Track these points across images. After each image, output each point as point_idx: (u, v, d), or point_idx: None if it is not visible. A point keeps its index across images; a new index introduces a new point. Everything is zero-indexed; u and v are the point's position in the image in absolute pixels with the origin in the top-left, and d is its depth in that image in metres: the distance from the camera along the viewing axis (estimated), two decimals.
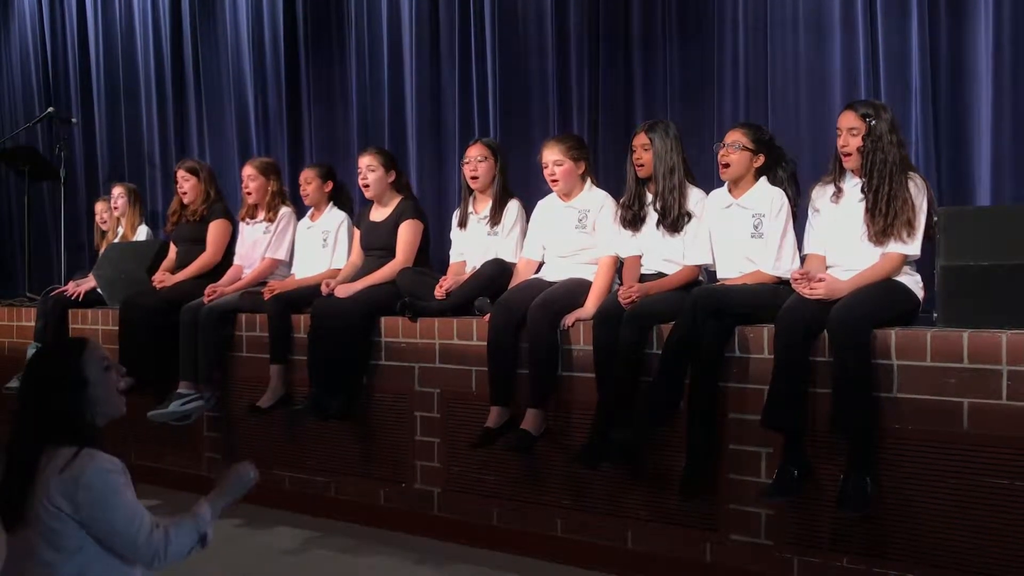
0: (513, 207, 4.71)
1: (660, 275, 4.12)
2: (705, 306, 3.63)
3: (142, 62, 7.84)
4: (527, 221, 4.66)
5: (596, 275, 4.26)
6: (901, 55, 4.57)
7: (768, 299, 3.70)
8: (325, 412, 4.59)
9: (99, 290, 5.97)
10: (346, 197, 5.45)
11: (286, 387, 4.93)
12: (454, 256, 4.92)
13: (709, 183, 4.24)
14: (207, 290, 5.25)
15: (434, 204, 5.93)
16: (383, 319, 4.69)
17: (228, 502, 2.60)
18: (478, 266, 4.65)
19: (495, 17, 5.85)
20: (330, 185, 5.35)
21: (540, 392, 4.07)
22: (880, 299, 3.50)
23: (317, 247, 5.30)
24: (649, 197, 4.20)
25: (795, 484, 3.45)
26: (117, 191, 6.57)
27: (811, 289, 3.52)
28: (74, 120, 7.92)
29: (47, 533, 2.33)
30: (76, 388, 2.43)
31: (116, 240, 6.53)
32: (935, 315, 3.53)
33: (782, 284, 3.79)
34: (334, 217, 5.31)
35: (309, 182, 5.31)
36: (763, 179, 3.94)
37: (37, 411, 2.42)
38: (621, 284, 4.19)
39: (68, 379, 2.43)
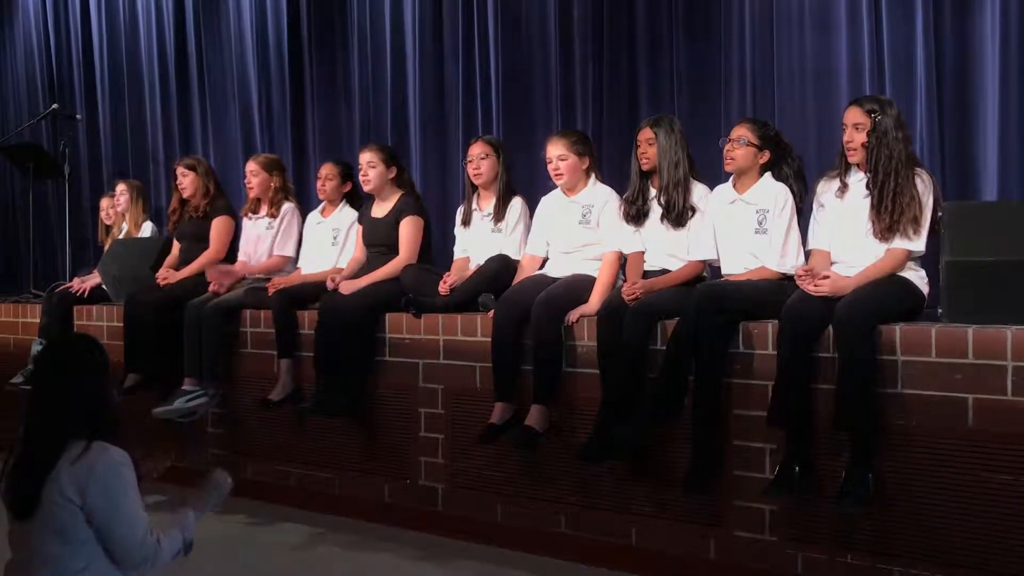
0: (516, 204, 4.70)
1: (664, 271, 4.12)
2: (709, 302, 3.63)
3: (146, 59, 7.85)
4: (530, 218, 4.65)
5: (600, 271, 4.26)
6: (906, 50, 4.56)
7: (772, 295, 3.69)
8: (332, 410, 4.60)
9: (104, 287, 5.98)
10: (359, 200, 5.41)
11: (295, 382, 4.93)
12: (458, 253, 4.92)
13: (714, 179, 4.23)
14: (211, 274, 5.28)
15: (437, 201, 5.92)
16: (387, 315, 4.69)
17: (208, 509, 2.68)
18: (482, 262, 4.65)
19: (498, 14, 5.85)
20: (348, 186, 5.33)
21: (544, 388, 4.07)
22: (885, 295, 3.50)
23: (326, 244, 5.29)
24: (653, 192, 4.20)
25: (796, 481, 3.44)
26: (120, 188, 6.56)
27: (816, 286, 3.52)
28: (78, 117, 7.92)
29: (56, 525, 2.34)
30: (105, 371, 2.48)
31: (121, 237, 6.53)
32: (940, 311, 3.52)
33: (786, 280, 3.78)
34: (346, 216, 5.29)
35: (331, 178, 5.28)
36: (767, 175, 3.93)
37: (66, 397, 2.42)
38: (625, 280, 4.19)
39: (99, 363, 2.48)
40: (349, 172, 5.34)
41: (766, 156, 3.92)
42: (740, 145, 3.89)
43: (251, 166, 5.55)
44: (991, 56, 4.36)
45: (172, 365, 5.21)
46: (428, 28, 6.21)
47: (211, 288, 5.27)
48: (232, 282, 5.30)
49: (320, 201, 5.41)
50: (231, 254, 5.65)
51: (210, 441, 5.41)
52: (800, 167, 3.97)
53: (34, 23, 8.69)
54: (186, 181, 5.70)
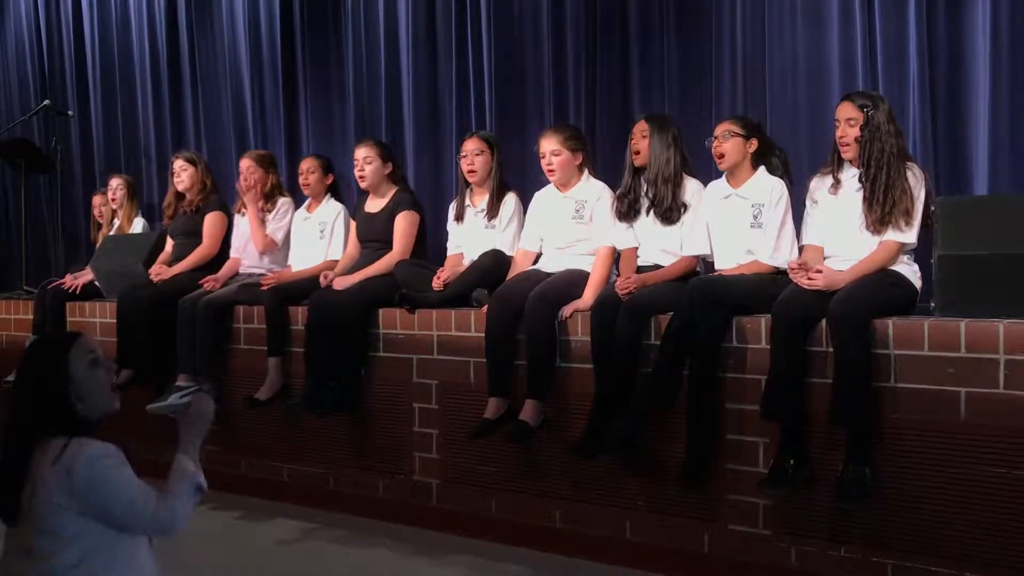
0: (510, 201, 4.71)
1: (657, 266, 4.12)
2: (703, 297, 3.63)
3: (138, 54, 7.81)
4: (524, 215, 4.65)
5: (593, 266, 4.26)
6: (899, 44, 4.56)
7: (766, 289, 3.70)
8: (319, 407, 4.59)
9: (96, 283, 5.97)
10: (341, 193, 5.44)
11: (284, 379, 4.93)
12: (451, 248, 4.92)
13: (708, 175, 4.24)
14: (206, 282, 5.26)
15: (431, 196, 5.91)
16: (381, 311, 4.69)
17: (198, 443, 2.56)
18: (475, 258, 4.65)
19: (491, 8, 5.84)
20: (330, 178, 5.35)
21: (538, 383, 4.07)
22: (879, 289, 3.51)
23: (314, 238, 5.29)
24: (645, 188, 4.20)
25: (791, 475, 3.45)
26: (115, 183, 6.55)
27: (809, 280, 3.52)
28: (70, 113, 7.90)
29: (44, 524, 2.33)
30: (60, 384, 2.42)
31: (112, 233, 6.52)
32: (933, 305, 3.53)
33: (780, 274, 3.79)
34: (331, 208, 5.30)
35: (312, 172, 5.29)
36: (762, 169, 3.95)
37: (27, 403, 2.43)
38: (619, 275, 4.19)
39: (52, 375, 2.43)
40: (330, 165, 5.36)
41: (754, 144, 3.94)
42: (727, 139, 3.91)
43: (246, 162, 5.54)
44: (983, 50, 4.36)
45: (166, 361, 5.22)
46: (422, 24, 6.19)
47: (204, 284, 5.26)
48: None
49: (306, 198, 5.42)
50: (224, 250, 5.64)
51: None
52: (786, 158, 4.00)
53: (26, 18, 8.64)
54: (184, 175, 5.69)
